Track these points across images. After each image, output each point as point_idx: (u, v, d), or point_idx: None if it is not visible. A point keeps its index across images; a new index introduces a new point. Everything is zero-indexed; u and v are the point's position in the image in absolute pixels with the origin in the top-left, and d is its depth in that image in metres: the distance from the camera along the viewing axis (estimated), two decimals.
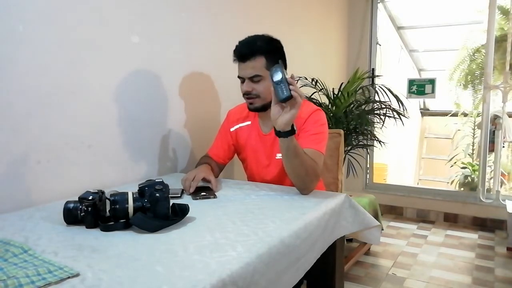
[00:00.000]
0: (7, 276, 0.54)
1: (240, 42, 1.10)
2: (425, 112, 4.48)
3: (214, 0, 1.51)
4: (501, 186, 2.80)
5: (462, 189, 3.44)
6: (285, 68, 1.17)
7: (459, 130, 3.87)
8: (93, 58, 1.07)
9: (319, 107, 1.18)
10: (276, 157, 1.15)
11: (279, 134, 0.94)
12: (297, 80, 1.91)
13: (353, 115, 1.94)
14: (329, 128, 1.31)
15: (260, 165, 1.20)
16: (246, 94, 1.11)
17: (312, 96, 2.02)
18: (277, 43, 1.12)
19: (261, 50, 1.07)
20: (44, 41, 0.95)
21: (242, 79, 1.11)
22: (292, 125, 0.93)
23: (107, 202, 0.73)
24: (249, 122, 1.22)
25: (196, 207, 0.86)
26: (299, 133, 1.08)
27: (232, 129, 1.25)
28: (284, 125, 0.92)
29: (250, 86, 1.09)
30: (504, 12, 3.07)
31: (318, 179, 1.04)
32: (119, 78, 1.16)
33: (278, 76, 0.88)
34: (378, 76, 2.61)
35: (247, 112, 1.22)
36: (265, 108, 1.11)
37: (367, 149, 2.51)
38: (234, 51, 1.10)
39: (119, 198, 0.72)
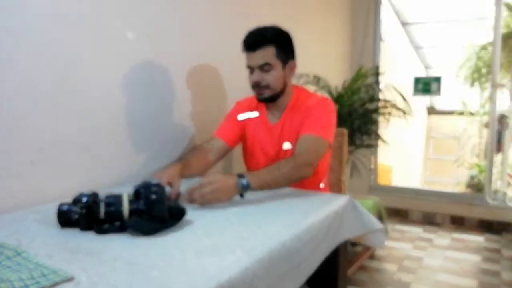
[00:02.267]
0: (1, 279, 0.53)
1: (249, 32, 1.08)
2: (431, 111, 4.43)
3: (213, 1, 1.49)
4: (508, 187, 2.75)
5: (468, 190, 3.39)
6: (291, 54, 1.14)
7: (465, 129, 3.83)
8: (90, 57, 1.06)
9: (327, 98, 1.19)
10: (283, 148, 1.14)
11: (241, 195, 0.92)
12: (300, 77, 1.89)
13: (357, 114, 1.92)
14: None
15: (268, 157, 1.18)
16: (256, 85, 1.10)
17: None
18: (287, 34, 1.12)
19: (271, 39, 1.06)
20: (41, 41, 0.94)
21: (251, 69, 1.10)
22: (239, 185, 0.89)
23: (102, 204, 0.72)
24: (257, 114, 1.20)
25: (194, 209, 0.84)
26: (304, 121, 1.09)
27: (240, 118, 1.22)
28: (228, 199, 0.89)
29: (259, 76, 1.08)
30: (511, 9, 3.02)
31: (305, 168, 1.00)
32: (117, 77, 1.14)
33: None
34: (382, 73, 2.58)
35: (256, 104, 1.21)
36: (274, 98, 1.12)
37: (371, 149, 2.48)
38: (244, 40, 1.08)
39: (114, 200, 0.71)
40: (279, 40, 1.08)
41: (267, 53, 1.06)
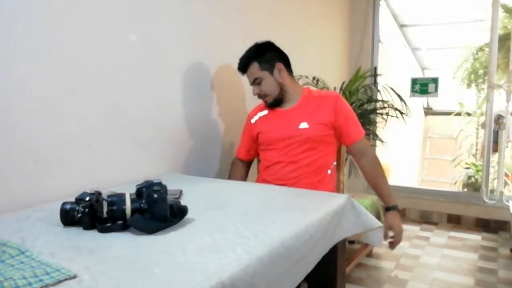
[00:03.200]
0: (4, 278, 0.53)
1: (239, 59, 1.29)
2: (428, 111, 4.45)
3: (215, 1, 1.50)
4: (504, 186, 2.77)
5: (465, 189, 3.41)
6: (287, 63, 1.30)
7: (462, 130, 3.85)
8: (91, 58, 1.07)
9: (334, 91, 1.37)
10: (300, 127, 1.25)
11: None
12: (299, 79, 1.90)
13: (355, 114, 1.93)
14: None
15: (279, 135, 1.28)
16: (258, 96, 1.31)
17: None
18: (264, 46, 1.28)
19: (252, 57, 1.26)
20: (42, 41, 0.95)
21: (251, 84, 1.30)
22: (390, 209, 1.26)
23: (105, 203, 0.73)
24: (266, 111, 1.35)
25: (195, 208, 0.85)
26: (338, 114, 1.24)
27: (252, 121, 1.37)
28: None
29: (257, 88, 1.29)
30: (508, 10, 3.05)
31: (377, 158, 1.30)
32: (118, 78, 1.15)
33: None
34: (380, 74, 2.59)
35: (263, 105, 1.37)
36: (279, 102, 1.30)
37: None
38: (237, 68, 1.30)
39: (117, 199, 0.71)
40: (258, 55, 1.26)
41: (253, 70, 1.27)
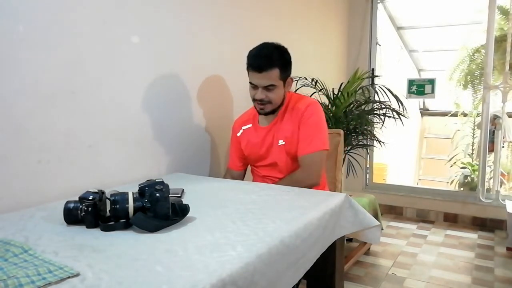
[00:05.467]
0: (7, 276, 0.54)
1: (257, 53, 1.17)
2: (424, 112, 4.49)
3: (215, 1, 1.51)
4: (500, 186, 2.79)
5: (461, 189, 3.44)
6: (290, 71, 1.26)
7: (458, 130, 3.88)
8: (93, 58, 1.07)
9: (315, 100, 1.28)
10: (278, 144, 1.24)
11: None
12: (297, 80, 1.91)
13: (353, 115, 1.95)
14: (329, 128, 1.34)
15: (258, 155, 1.29)
16: (259, 101, 1.20)
17: (312, 97, 2.01)
18: (288, 55, 1.22)
19: (277, 63, 1.16)
20: (44, 41, 0.95)
21: (255, 86, 1.19)
22: None
23: (108, 202, 0.73)
24: (250, 125, 1.33)
25: (196, 207, 0.86)
26: (300, 127, 1.21)
27: (238, 134, 1.36)
28: None
29: (264, 94, 1.19)
30: (504, 12, 3.08)
31: (313, 179, 1.20)
32: (120, 78, 1.16)
33: None
34: (378, 76, 2.62)
35: (247, 116, 1.35)
36: (275, 111, 1.25)
37: (367, 149, 2.51)
38: (251, 62, 1.16)
39: (120, 198, 0.72)
40: (282, 62, 1.18)
41: (272, 76, 1.16)
